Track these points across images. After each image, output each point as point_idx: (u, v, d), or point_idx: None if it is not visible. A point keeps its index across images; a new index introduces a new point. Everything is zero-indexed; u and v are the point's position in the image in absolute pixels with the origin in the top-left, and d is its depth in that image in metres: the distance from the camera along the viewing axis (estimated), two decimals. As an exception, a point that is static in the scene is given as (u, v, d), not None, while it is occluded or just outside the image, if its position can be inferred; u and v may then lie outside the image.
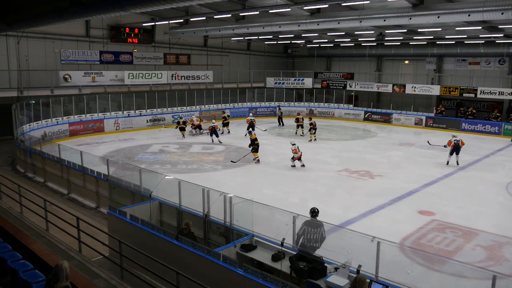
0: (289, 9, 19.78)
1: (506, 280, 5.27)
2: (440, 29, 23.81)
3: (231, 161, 17.01)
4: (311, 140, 21.60)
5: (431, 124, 27.45)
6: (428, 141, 19.72)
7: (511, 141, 22.82)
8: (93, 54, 25.24)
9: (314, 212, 7.16)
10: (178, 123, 23.07)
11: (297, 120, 23.85)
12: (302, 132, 23.33)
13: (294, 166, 16.13)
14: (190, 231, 7.54)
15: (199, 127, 23.60)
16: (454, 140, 16.43)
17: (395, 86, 30.28)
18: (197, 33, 27.06)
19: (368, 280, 5.19)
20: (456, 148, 16.43)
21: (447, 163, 16.65)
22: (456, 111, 28.35)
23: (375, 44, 31.83)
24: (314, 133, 21.76)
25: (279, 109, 28.56)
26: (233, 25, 23.68)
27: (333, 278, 5.72)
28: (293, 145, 16.03)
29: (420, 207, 11.84)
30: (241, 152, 18.80)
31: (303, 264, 6.13)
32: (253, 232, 7.28)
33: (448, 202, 12.45)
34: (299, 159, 16.05)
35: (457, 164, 16.57)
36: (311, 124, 21.74)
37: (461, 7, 15.70)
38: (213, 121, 22.12)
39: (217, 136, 21.16)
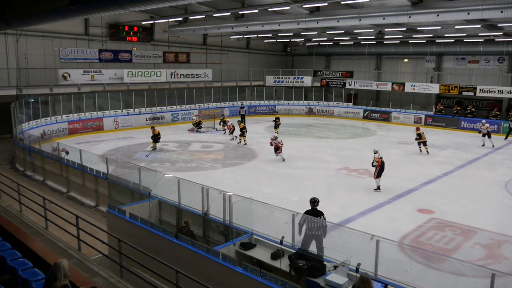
0: (288, 8, 19.77)
1: (505, 278, 5.27)
2: (439, 28, 23.81)
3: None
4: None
5: (430, 123, 27.48)
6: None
7: (505, 139, 22.75)
8: (92, 52, 25.19)
9: (315, 202, 7.75)
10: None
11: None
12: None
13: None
14: (189, 229, 7.54)
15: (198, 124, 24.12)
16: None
17: (394, 85, 30.29)
18: (196, 32, 27.01)
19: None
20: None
21: None
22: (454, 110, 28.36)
23: (375, 42, 31.84)
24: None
25: (242, 107, 28.47)
26: (233, 24, 23.65)
27: (332, 277, 5.73)
28: (375, 153, 13.27)
29: (419, 206, 11.85)
30: (240, 150, 18.81)
31: (302, 262, 6.14)
32: (252, 231, 7.28)
33: (447, 200, 12.46)
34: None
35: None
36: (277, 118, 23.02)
37: (460, 5, 15.70)
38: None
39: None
